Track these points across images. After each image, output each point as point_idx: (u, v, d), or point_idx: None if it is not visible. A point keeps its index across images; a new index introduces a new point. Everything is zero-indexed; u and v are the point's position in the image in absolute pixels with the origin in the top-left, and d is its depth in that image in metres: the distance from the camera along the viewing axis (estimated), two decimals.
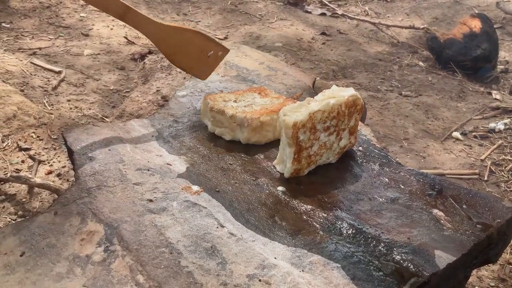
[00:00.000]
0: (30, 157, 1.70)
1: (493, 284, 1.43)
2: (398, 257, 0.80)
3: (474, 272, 1.45)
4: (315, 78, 1.53)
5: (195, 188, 0.94)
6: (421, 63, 2.96)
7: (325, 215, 0.90)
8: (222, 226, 0.85)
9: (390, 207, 0.94)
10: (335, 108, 0.99)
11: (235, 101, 1.17)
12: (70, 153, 1.03)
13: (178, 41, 1.12)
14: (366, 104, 2.20)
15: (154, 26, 1.09)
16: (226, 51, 1.19)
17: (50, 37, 2.71)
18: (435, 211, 0.92)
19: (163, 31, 1.10)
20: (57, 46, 2.61)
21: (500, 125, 2.27)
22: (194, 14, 3.31)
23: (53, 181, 1.60)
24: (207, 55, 1.16)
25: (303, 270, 0.78)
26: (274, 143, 1.10)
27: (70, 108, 2.07)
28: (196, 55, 1.16)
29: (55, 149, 1.77)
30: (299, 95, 1.30)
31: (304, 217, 0.90)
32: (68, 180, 1.63)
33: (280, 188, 0.97)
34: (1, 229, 0.82)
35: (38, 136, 1.81)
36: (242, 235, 0.84)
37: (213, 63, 1.20)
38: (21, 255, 0.77)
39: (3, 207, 1.51)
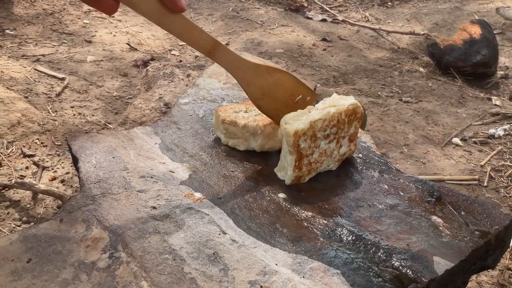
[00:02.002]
0: (34, 163, 1.72)
1: None
2: (397, 263, 0.82)
3: (473, 277, 1.46)
4: (316, 85, 1.55)
5: (198, 195, 0.96)
6: (421, 69, 2.98)
7: (325, 221, 0.92)
8: (224, 233, 0.87)
9: (389, 214, 0.95)
10: (335, 116, 1.01)
11: (245, 111, 1.18)
12: (75, 161, 1.05)
13: (267, 82, 1.03)
14: (366, 110, 2.22)
15: (245, 65, 0.99)
16: (315, 96, 1.10)
17: (54, 43, 2.74)
18: (434, 217, 0.94)
19: (253, 71, 1.00)
20: (61, 53, 2.64)
21: (500, 131, 2.29)
22: (196, 20, 3.33)
23: (57, 187, 1.62)
24: (296, 101, 1.06)
25: (303, 277, 0.79)
26: (276, 151, 1.12)
27: (74, 115, 2.09)
28: (284, 100, 1.06)
29: (59, 155, 1.79)
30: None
31: (305, 223, 0.91)
32: (71, 186, 1.65)
33: (281, 195, 0.99)
34: (8, 236, 0.84)
35: (42, 143, 1.83)
36: (244, 242, 0.85)
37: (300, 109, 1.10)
38: (27, 262, 0.79)
39: (8, 213, 1.53)
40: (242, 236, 0.87)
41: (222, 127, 1.15)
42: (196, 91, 1.39)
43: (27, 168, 1.71)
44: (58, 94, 2.21)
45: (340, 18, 3.63)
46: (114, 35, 2.90)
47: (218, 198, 0.96)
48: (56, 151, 1.81)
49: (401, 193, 1.01)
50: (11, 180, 1.62)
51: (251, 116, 1.15)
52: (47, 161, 1.75)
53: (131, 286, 0.75)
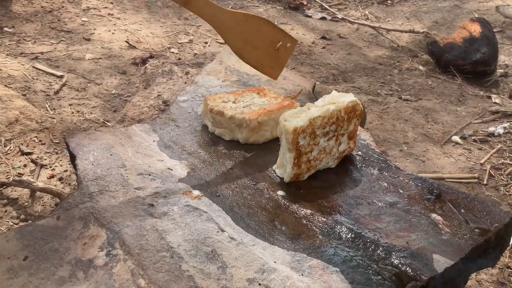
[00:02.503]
0: (32, 161, 1.71)
1: None
2: (397, 261, 0.81)
3: (473, 276, 1.46)
4: (315, 83, 1.54)
5: (196, 192, 0.95)
6: (421, 67, 2.97)
7: (324, 219, 0.91)
8: (223, 231, 0.86)
9: (389, 212, 0.94)
10: (335, 114, 1.00)
11: (234, 102, 1.19)
12: (73, 158, 1.04)
13: (245, 30, 1.02)
14: (366, 108, 2.21)
15: (220, 13, 0.98)
16: (294, 42, 1.09)
17: (52, 41, 2.73)
18: (434, 215, 0.93)
19: (230, 19, 0.99)
20: (59, 51, 2.63)
21: (499, 129, 2.28)
22: (195, 18, 3.32)
23: (55, 185, 1.61)
24: (276, 47, 1.06)
25: (302, 274, 0.78)
26: (275, 148, 1.12)
27: (72, 113, 2.08)
28: (265, 48, 1.05)
29: (57, 153, 1.78)
30: (297, 94, 1.31)
31: (304, 221, 0.91)
32: (70, 184, 1.65)
33: (280, 192, 0.98)
34: (4, 234, 0.83)
35: (40, 141, 1.82)
36: (242, 240, 0.85)
37: (282, 58, 1.10)
38: (24, 259, 0.78)
39: (6, 211, 1.52)
40: (241, 234, 0.86)
41: (209, 115, 1.16)
42: (194, 88, 1.39)
43: (25, 166, 1.70)
44: (56, 92, 2.20)
45: (340, 16, 3.62)
46: (113, 33, 2.89)
47: (217, 196, 0.95)
48: (54, 149, 1.80)
49: (401, 191, 1.01)
50: (9, 178, 1.62)
51: (239, 107, 1.16)
52: (45, 159, 1.74)
53: (128, 284, 0.74)
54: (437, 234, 0.89)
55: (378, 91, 2.65)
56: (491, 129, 2.29)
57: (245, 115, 1.11)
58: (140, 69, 2.14)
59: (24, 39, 2.70)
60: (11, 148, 1.76)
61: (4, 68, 2.29)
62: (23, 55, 2.52)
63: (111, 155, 1.04)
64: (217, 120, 1.14)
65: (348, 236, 0.87)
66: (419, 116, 2.42)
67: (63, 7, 3.16)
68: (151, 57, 2.63)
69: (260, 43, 1.04)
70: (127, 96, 2.26)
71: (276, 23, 3.36)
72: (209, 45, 2.93)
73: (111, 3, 3.28)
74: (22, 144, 1.78)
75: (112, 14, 3.14)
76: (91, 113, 2.11)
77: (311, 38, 3.22)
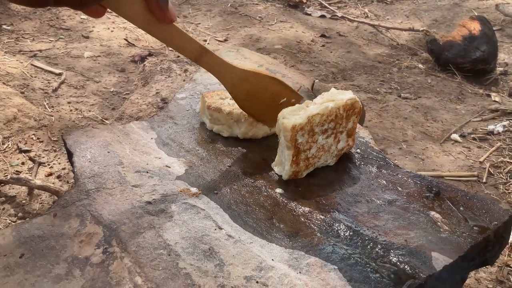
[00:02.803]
0: (30, 159, 1.71)
1: (491, 286, 1.43)
2: (395, 259, 0.81)
3: (472, 274, 1.45)
4: (314, 81, 1.53)
5: (194, 190, 0.95)
6: (420, 65, 2.97)
7: (322, 217, 0.91)
8: (220, 228, 0.86)
9: (387, 209, 0.94)
10: (333, 111, 1.00)
11: (231, 98, 1.19)
12: (70, 155, 1.03)
13: (253, 86, 1.05)
14: (365, 106, 2.21)
15: (229, 70, 1.01)
16: (299, 99, 1.12)
17: (51, 39, 2.72)
18: (432, 213, 0.93)
19: (239, 76, 1.03)
20: (58, 48, 2.62)
21: (499, 127, 2.28)
22: (194, 16, 3.32)
23: (53, 183, 1.61)
24: (280, 103, 1.08)
25: (300, 272, 0.78)
26: (273, 145, 1.11)
27: (71, 110, 2.08)
28: (269, 102, 1.08)
29: (55, 151, 1.78)
30: (297, 91, 1.30)
31: (302, 219, 0.90)
32: (68, 182, 1.64)
33: (278, 190, 0.98)
34: (1, 231, 0.82)
35: (38, 138, 1.81)
36: (240, 237, 0.84)
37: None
38: (20, 257, 0.78)
39: (3, 208, 1.51)
40: (238, 231, 0.86)
41: (207, 113, 1.16)
42: (193, 86, 1.38)
43: (23, 163, 1.69)
44: (55, 90, 2.19)
45: (339, 14, 3.62)
46: (112, 31, 2.88)
47: (214, 193, 0.95)
48: (53, 146, 1.79)
49: (399, 189, 1.00)
50: (7, 175, 1.61)
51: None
52: (43, 157, 1.73)
53: (125, 281, 0.74)
54: (436, 232, 0.88)
55: (378, 89, 2.65)
56: (491, 127, 2.29)
57: None
58: (139, 67, 2.13)
59: (22, 37, 2.69)
60: (9, 145, 1.75)
61: (2, 65, 2.28)
62: (21, 52, 2.51)
63: (108, 152, 1.03)
64: (215, 117, 1.14)
65: (346, 234, 0.87)
66: (419, 114, 2.42)
67: None
68: (150, 55, 2.62)
69: (264, 98, 1.08)
70: (126, 94, 2.26)
71: (275, 21, 3.35)
72: (208, 43, 2.92)
73: None
74: (20, 141, 1.77)
75: (111, 12, 3.13)
76: (90, 111, 2.10)
77: (310, 36, 3.21)
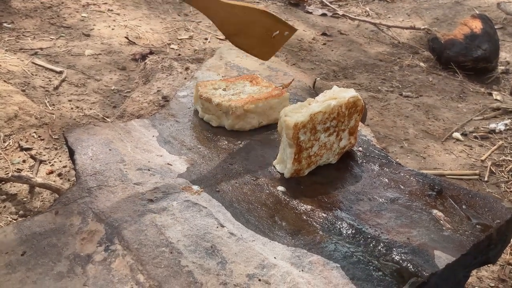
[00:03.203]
0: (31, 157, 1.71)
1: (493, 285, 1.43)
2: (398, 257, 0.81)
3: (474, 272, 1.45)
4: (316, 79, 1.53)
5: (196, 188, 0.95)
6: (421, 64, 2.96)
7: (325, 215, 0.91)
8: (222, 226, 0.85)
9: (389, 208, 0.94)
10: (336, 109, 1.00)
11: (224, 89, 1.22)
12: (71, 153, 1.03)
13: (243, 21, 1.01)
14: (366, 104, 2.20)
15: (215, 4, 0.98)
16: (293, 30, 1.08)
17: (52, 37, 2.72)
18: (435, 211, 0.93)
19: (227, 11, 0.99)
20: (59, 46, 2.62)
21: (500, 126, 2.27)
22: (195, 14, 3.31)
23: (54, 181, 1.61)
24: (272, 35, 1.05)
25: (302, 270, 0.78)
26: (275, 143, 1.11)
27: (71, 108, 2.08)
28: (260, 35, 1.05)
29: (56, 149, 1.78)
30: (288, 84, 1.30)
31: (304, 217, 0.90)
32: (69, 180, 1.64)
33: (280, 188, 0.97)
34: (2, 229, 0.82)
35: (39, 136, 1.81)
36: (242, 235, 0.84)
37: (277, 43, 1.09)
38: (22, 255, 0.77)
39: (4, 206, 1.51)
40: (240, 229, 0.85)
41: (200, 101, 1.19)
42: (194, 84, 1.38)
43: (24, 161, 1.69)
44: (56, 88, 2.19)
45: (340, 12, 3.61)
46: (113, 29, 2.87)
47: (216, 191, 0.95)
48: (54, 144, 1.79)
49: (402, 187, 1.00)
50: (8, 173, 1.61)
51: (227, 95, 1.18)
52: (44, 155, 1.73)
53: (127, 279, 0.74)
54: (438, 230, 0.88)
55: (379, 87, 2.64)
56: (492, 125, 2.28)
57: (232, 103, 1.14)
58: (140, 65, 2.13)
59: (23, 35, 2.69)
60: (10, 143, 1.75)
61: (3, 63, 2.28)
62: (22, 50, 2.50)
63: (110, 150, 1.03)
64: (205, 106, 1.17)
65: (348, 232, 0.87)
66: (420, 113, 2.41)
67: (62, 2, 3.15)
68: (151, 53, 2.62)
69: (255, 32, 1.04)
70: (127, 92, 2.25)
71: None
72: (209, 41, 2.91)
73: None
74: (21, 139, 1.77)
75: (111, 10, 3.13)
76: (91, 109, 2.10)
77: (311, 35, 3.20)
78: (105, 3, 3.19)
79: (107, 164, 0.98)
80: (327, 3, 3.74)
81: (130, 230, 0.83)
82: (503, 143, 2.15)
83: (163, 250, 0.79)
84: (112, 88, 2.30)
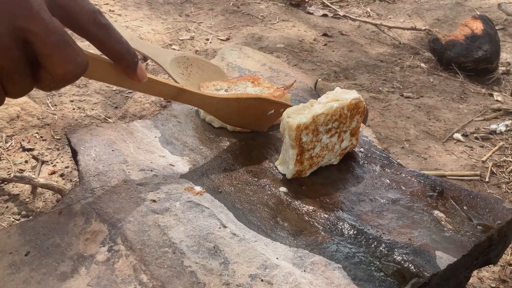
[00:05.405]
0: (34, 157, 1.71)
1: (493, 285, 1.44)
2: (399, 257, 0.81)
3: (475, 273, 1.45)
4: (317, 80, 1.54)
5: (198, 188, 0.95)
6: (422, 65, 2.97)
7: (326, 216, 0.91)
8: (225, 227, 0.86)
9: (391, 208, 0.94)
10: (338, 111, 1.00)
11: (226, 90, 1.22)
12: (74, 154, 1.04)
13: (238, 108, 1.06)
14: (367, 105, 2.20)
15: (209, 100, 1.02)
16: (287, 107, 1.10)
17: None
18: (436, 212, 0.93)
19: (220, 104, 1.04)
20: None
21: (501, 127, 2.28)
22: (196, 15, 3.32)
23: (56, 181, 1.61)
24: (267, 114, 1.10)
25: (304, 271, 0.78)
26: (278, 145, 1.11)
27: (73, 109, 2.08)
28: (256, 116, 1.10)
29: (58, 149, 1.78)
30: (289, 85, 1.31)
31: (306, 218, 0.91)
32: (71, 181, 1.64)
33: (282, 189, 0.98)
34: (6, 229, 0.83)
35: (41, 137, 1.82)
36: (244, 236, 0.84)
37: (273, 118, 1.14)
38: (26, 255, 0.78)
39: (7, 207, 1.52)
40: (243, 230, 0.86)
41: None
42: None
43: (26, 162, 1.70)
44: None
45: (341, 13, 3.61)
46: None
47: (219, 192, 0.95)
48: (56, 145, 1.80)
49: (403, 188, 1.00)
50: (10, 174, 1.62)
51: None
52: (46, 155, 1.74)
53: (131, 279, 0.74)
54: (440, 231, 0.89)
55: (380, 88, 2.65)
56: (493, 126, 2.28)
57: None
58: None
59: None
60: (12, 144, 1.76)
61: None
62: None
63: (112, 150, 1.04)
64: None
65: (350, 233, 0.87)
66: (421, 114, 2.42)
67: None
68: None
69: (250, 114, 1.10)
70: (129, 92, 2.26)
71: (277, 20, 3.35)
72: (210, 42, 2.92)
73: None
74: (23, 140, 1.78)
75: (113, 11, 3.13)
76: (93, 109, 2.11)
77: (312, 35, 3.21)
78: (106, 4, 3.20)
79: (110, 165, 0.99)
80: (328, 4, 3.75)
81: (133, 230, 0.83)
82: (504, 144, 2.16)
83: (166, 251, 0.79)
84: (114, 89, 2.30)
